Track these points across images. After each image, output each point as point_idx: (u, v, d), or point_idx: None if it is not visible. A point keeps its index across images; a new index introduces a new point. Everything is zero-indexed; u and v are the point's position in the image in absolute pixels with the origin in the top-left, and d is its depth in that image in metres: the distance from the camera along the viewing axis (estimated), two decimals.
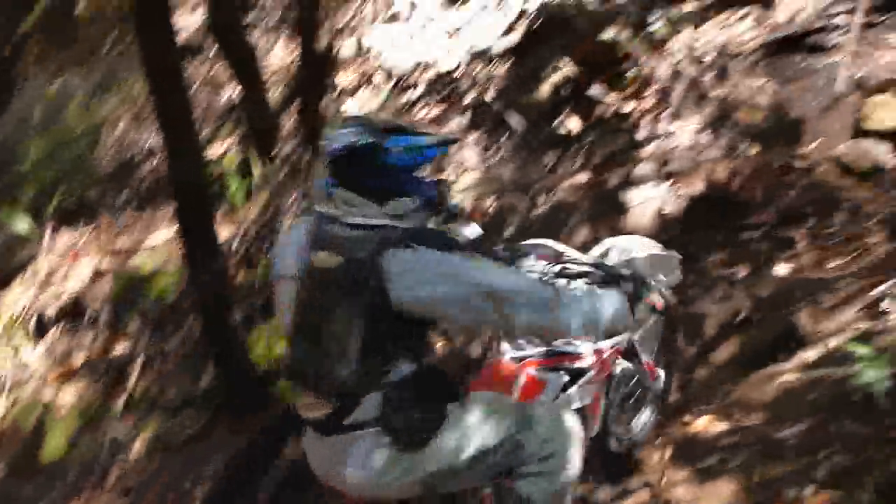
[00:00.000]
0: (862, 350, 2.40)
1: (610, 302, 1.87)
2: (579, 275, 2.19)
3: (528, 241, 2.46)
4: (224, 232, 4.83)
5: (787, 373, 2.83)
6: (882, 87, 4.01)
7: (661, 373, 2.74)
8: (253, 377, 3.85)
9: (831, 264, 3.38)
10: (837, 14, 4.40)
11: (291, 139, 5.03)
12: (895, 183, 3.62)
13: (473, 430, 1.88)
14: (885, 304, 2.75)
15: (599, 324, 1.82)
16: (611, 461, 2.64)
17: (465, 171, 3.87)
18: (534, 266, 2.32)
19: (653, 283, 2.20)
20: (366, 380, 1.78)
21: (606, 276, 2.10)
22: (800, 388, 2.71)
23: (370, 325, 1.73)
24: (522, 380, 2.23)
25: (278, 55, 6.11)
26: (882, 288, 2.86)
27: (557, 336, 2.02)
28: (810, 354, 2.80)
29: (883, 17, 4.33)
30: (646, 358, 2.62)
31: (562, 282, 1.87)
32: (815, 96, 4.10)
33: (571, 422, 2.05)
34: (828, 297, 3.09)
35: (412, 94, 4.78)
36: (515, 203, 3.74)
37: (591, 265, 2.22)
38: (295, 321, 1.86)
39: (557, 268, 2.27)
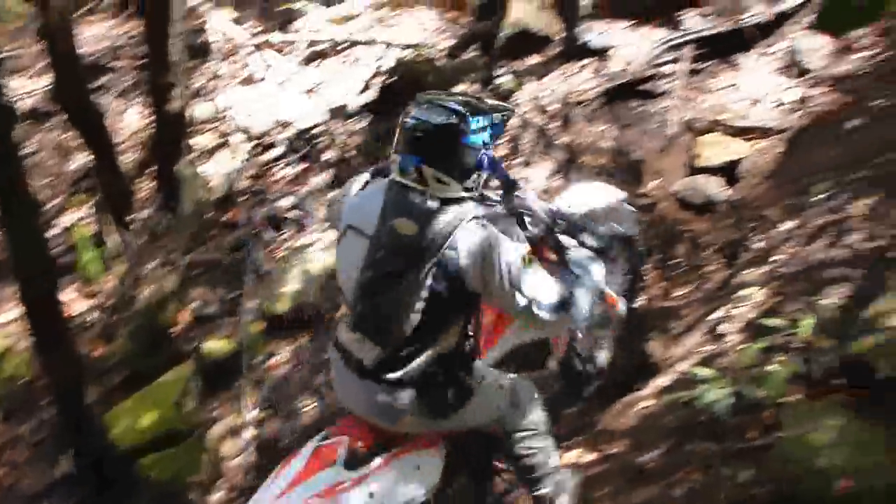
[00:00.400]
0: (704, 373, 2.57)
1: (592, 291, 2.12)
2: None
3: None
4: (79, 306, 4.58)
5: (645, 399, 2.97)
6: (709, 128, 4.38)
7: (622, 301, 2.81)
8: (115, 456, 3.64)
9: (677, 293, 3.61)
10: (666, 63, 4.79)
11: (148, 205, 4.88)
12: (728, 214, 3.93)
13: (481, 405, 2.20)
14: (722, 328, 2.96)
15: (588, 317, 2.09)
16: (575, 379, 2.90)
17: (327, 229, 3.88)
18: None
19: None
20: (419, 341, 2.03)
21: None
22: (656, 413, 2.84)
23: (435, 290, 1.96)
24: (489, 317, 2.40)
25: (132, 119, 5.93)
26: (720, 313, 3.07)
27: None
28: (663, 380, 2.96)
29: (705, 65, 4.75)
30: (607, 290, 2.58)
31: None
32: (652, 138, 4.42)
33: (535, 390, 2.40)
34: (675, 325, 3.29)
35: (272, 154, 4.75)
36: None
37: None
38: (364, 275, 2.03)
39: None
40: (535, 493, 2.39)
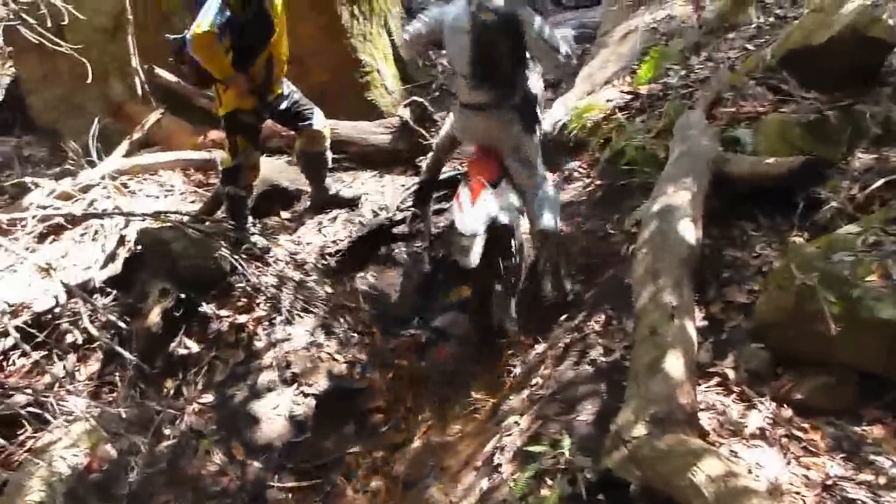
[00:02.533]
0: None
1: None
2: None
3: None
4: None
5: None
6: None
7: None
8: None
9: (452, 429, 3.64)
10: (411, 206, 5.06)
11: None
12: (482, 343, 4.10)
13: (534, 139, 3.93)
14: (497, 458, 3.01)
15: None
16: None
17: (73, 421, 3.48)
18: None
19: None
20: (512, 82, 3.70)
21: None
22: None
23: (513, 50, 3.60)
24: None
25: None
26: (493, 443, 3.14)
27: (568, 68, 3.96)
28: None
29: (448, 204, 5.05)
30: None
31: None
32: (409, 278, 4.59)
33: None
34: (453, 462, 3.30)
35: (4, 343, 4.24)
36: (136, 442, 3.44)
37: None
38: (474, 52, 3.56)
39: None
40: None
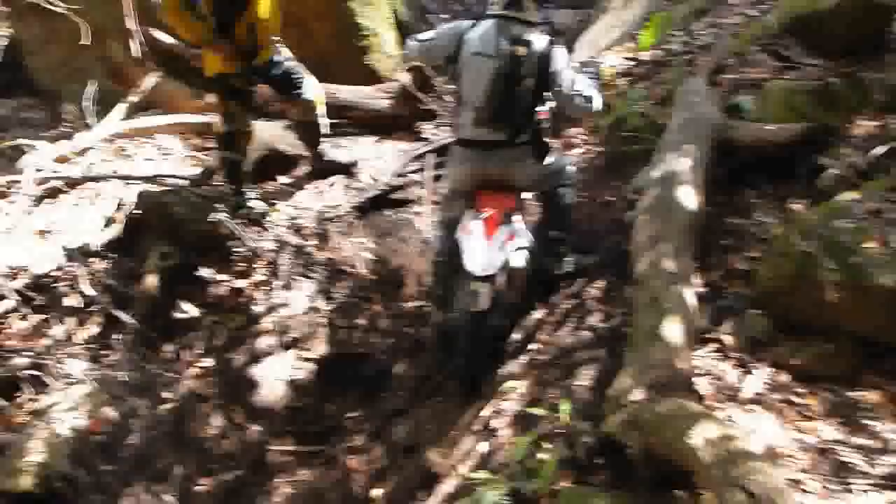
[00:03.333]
0: (481, 475, 2.60)
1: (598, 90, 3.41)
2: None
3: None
4: None
5: None
6: None
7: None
8: None
9: (449, 391, 3.65)
10: (411, 172, 5.04)
11: None
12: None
13: (552, 160, 3.55)
14: (493, 423, 3.03)
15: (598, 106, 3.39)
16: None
17: (73, 384, 3.50)
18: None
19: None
20: (528, 119, 3.36)
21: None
22: None
23: (536, 86, 3.26)
24: None
25: None
26: (491, 407, 3.15)
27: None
28: (447, 488, 2.95)
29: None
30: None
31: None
32: (408, 244, 4.57)
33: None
34: (452, 426, 3.32)
35: (4, 306, 4.24)
36: (137, 405, 3.46)
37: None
38: (494, 83, 3.22)
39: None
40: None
